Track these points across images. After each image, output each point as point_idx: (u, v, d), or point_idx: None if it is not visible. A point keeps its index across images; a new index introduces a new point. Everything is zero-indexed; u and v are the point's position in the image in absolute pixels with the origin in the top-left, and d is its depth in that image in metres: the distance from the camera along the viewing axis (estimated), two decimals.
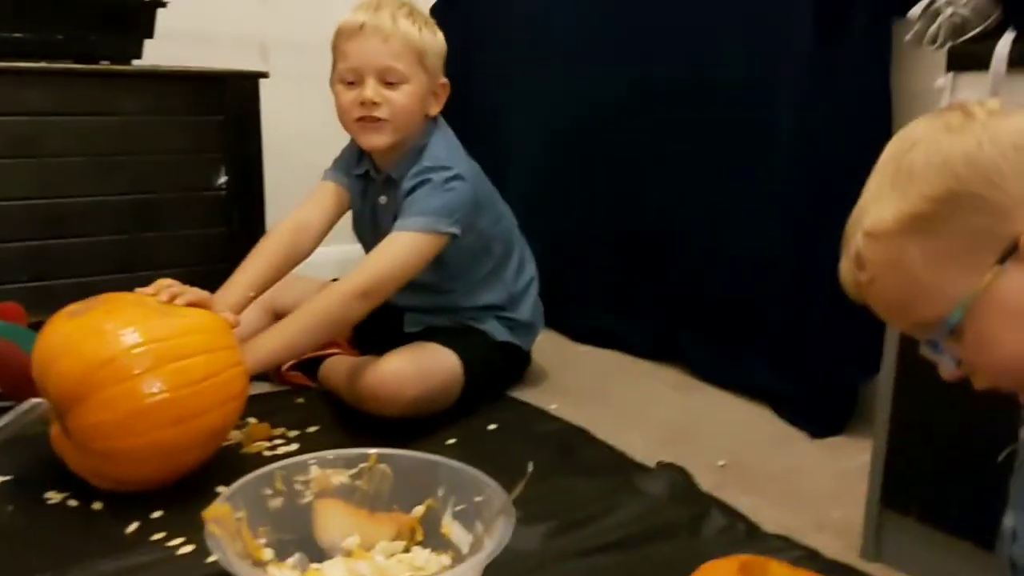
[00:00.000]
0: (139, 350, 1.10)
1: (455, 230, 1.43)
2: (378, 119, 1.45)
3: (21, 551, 1.05)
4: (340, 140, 1.59)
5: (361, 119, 1.46)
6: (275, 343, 1.33)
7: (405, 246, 1.40)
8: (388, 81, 1.44)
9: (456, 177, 1.45)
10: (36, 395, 1.23)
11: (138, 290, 1.24)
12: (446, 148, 1.51)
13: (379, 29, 1.43)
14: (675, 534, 1.11)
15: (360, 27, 1.43)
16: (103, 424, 1.09)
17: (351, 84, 1.45)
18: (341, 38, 1.46)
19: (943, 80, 1.04)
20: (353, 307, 1.37)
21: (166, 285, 1.24)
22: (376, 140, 1.47)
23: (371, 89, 1.43)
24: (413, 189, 1.45)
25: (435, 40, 1.49)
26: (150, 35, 1.80)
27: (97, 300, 1.18)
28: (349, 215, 1.63)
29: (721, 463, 1.34)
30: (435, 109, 1.52)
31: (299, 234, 1.51)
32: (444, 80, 1.52)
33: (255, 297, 1.43)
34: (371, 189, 1.57)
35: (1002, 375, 0.67)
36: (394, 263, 1.40)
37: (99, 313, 1.14)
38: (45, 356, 1.13)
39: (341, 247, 1.75)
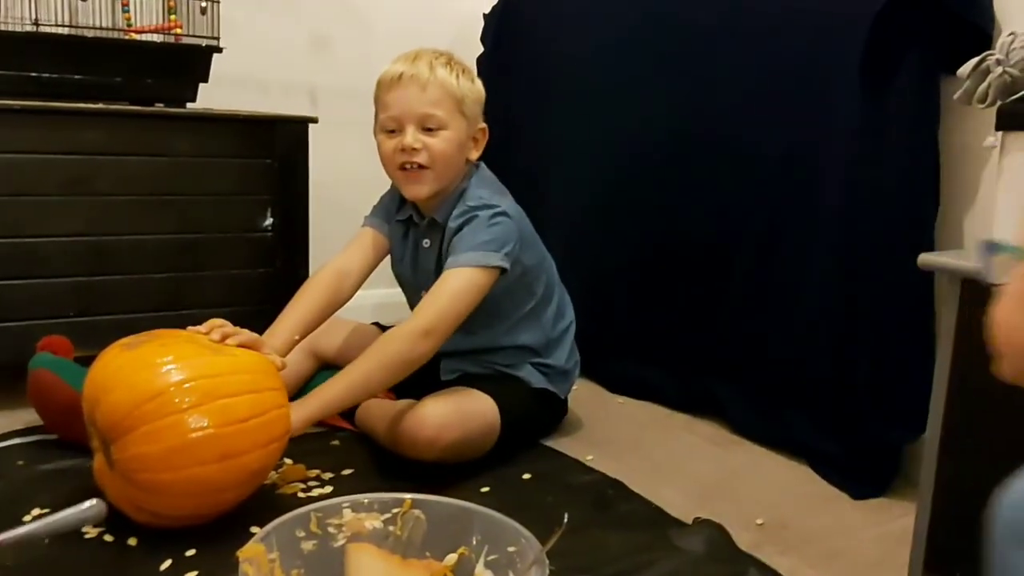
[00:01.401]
0: (188, 385, 1.12)
1: (505, 264, 1.45)
2: (419, 166, 1.47)
3: None
4: (384, 185, 1.61)
5: (403, 168, 1.48)
6: (339, 388, 1.34)
7: (459, 282, 1.42)
8: (427, 127, 1.47)
9: (501, 213, 1.47)
10: (79, 429, 1.25)
11: (190, 328, 1.27)
12: (488, 189, 1.53)
13: (417, 78, 1.46)
14: None
15: (399, 77, 1.47)
16: (147, 456, 1.10)
17: (392, 132, 1.49)
18: (381, 89, 1.50)
19: (992, 139, 1.04)
20: (417, 347, 1.37)
21: (218, 325, 1.27)
22: (419, 190, 1.50)
23: (411, 136, 1.46)
24: (460, 228, 1.47)
25: (473, 87, 1.52)
26: (205, 79, 1.85)
27: (151, 335, 1.21)
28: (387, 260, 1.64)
29: (759, 521, 1.32)
30: (475, 154, 1.55)
31: (339, 280, 1.53)
32: (483, 125, 1.55)
33: (299, 340, 1.45)
34: (414, 233, 1.58)
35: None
36: (452, 300, 1.40)
37: (152, 347, 1.17)
38: (97, 386, 1.15)
39: (379, 291, 1.77)
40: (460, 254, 1.44)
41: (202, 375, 1.14)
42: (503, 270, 1.45)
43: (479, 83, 1.54)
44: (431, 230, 1.55)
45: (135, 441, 1.10)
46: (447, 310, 1.40)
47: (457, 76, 1.49)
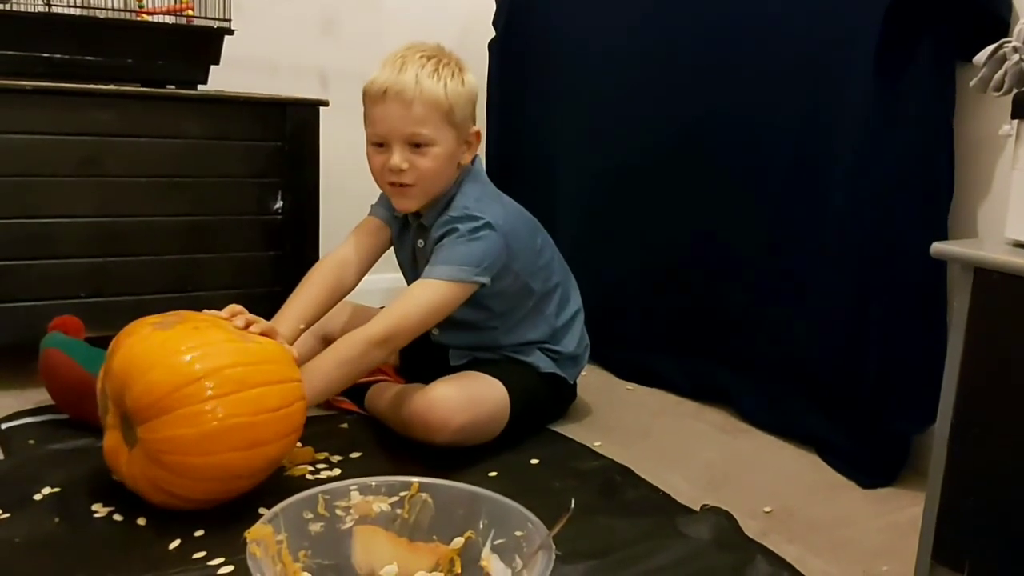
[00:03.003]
0: (227, 372, 1.13)
1: (483, 279, 1.43)
2: (405, 184, 1.46)
3: (65, 562, 1.06)
4: None
5: (390, 184, 1.47)
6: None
7: (427, 294, 1.41)
8: (415, 143, 1.44)
9: (485, 226, 1.44)
10: (90, 408, 1.26)
11: (209, 312, 1.26)
12: (475, 197, 1.50)
13: (401, 95, 1.41)
14: None
15: (383, 93, 1.42)
16: (181, 438, 1.10)
17: (379, 147, 1.46)
18: (367, 100, 1.46)
19: (1008, 127, 1.02)
20: (372, 355, 1.37)
21: (239, 311, 1.27)
22: (406, 204, 1.49)
23: (398, 156, 1.43)
24: (441, 238, 1.46)
25: (462, 91, 1.46)
26: (216, 61, 1.85)
27: (178, 316, 1.21)
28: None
29: (767, 509, 1.32)
30: (467, 158, 1.52)
31: (343, 270, 1.53)
32: (476, 128, 1.52)
33: (304, 330, 1.45)
34: (410, 231, 1.58)
35: None
36: (416, 311, 1.40)
37: (188, 329, 1.17)
38: (131, 365, 1.14)
39: (389, 275, 1.77)
40: (435, 266, 1.42)
41: (238, 363, 1.15)
42: (481, 285, 1.43)
43: (470, 80, 1.49)
44: (424, 232, 1.53)
45: (170, 423, 1.10)
46: (407, 320, 1.39)
47: (444, 84, 1.43)
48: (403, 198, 1.48)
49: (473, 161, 1.54)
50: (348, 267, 1.54)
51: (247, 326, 1.25)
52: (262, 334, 1.26)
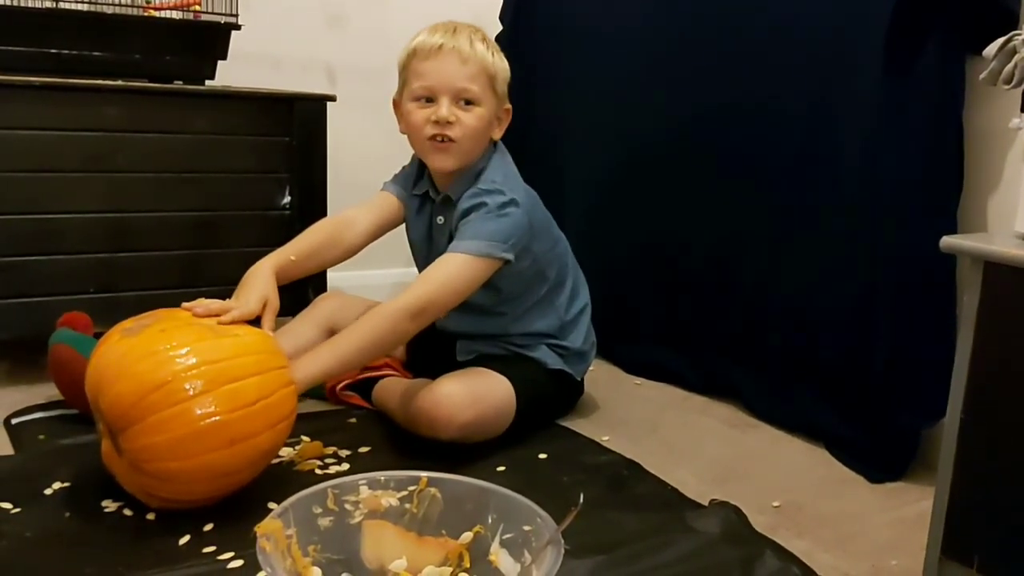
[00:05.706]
0: (193, 372, 1.11)
1: (509, 256, 1.44)
2: (449, 139, 1.46)
3: (75, 557, 1.06)
4: (399, 163, 1.61)
5: (432, 138, 1.47)
6: (327, 360, 1.32)
7: (457, 268, 1.41)
8: (462, 101, 1.46)
9: (511, 203, 1.46)
10: None
11: (184, 305, 1.24)
12: (503, 173, 1.52)
13: (458, 51, 1.45)
14: (727, 575, 1.09)
15: (439, 48, 1.46)
16: (156, 445, 1.09)
17: (424, 102, 1.47)
18: (416, 58, 1.48)
19: (1018, 120, 1.02)
20: (403, 326, 1.36)
21: (206, 303, 1.25)
22: (445, 162, 1.49)
23: (445, 108, 1.45)
24: (468, 212, 1.46)
25: (504, 66, 1.52)
26: (224, 57, 1.85)
27: (151, 317, 1.20)
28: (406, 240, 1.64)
29: (776, 504, 1.32)
30: (498, 133, 1.55)
31: (343, 226, 1.55)
32: (508, 105, 1.55)
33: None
34: (428, 208, 1.58)
35: None
36: (445, 284, 1.40)
37: (153, 332, 1.15)
38: (101, 376, 1.13)
39: (398, 270, 1.77)
40: (464, 240, 1.42)
41: (207, 361, 1.13)
42: (506, 261, 1.44)
43: (507, 63, 1.53)
44: (445, 207, 1.54)
45: (143, 431, 1.09)
46: (439, 293, 1.39)
47: (493, 53, 1.49)
48: (443, 155, 1.49)
49: (497, 144, 1.56)
50: (351, 225, 1.55)
51: (208, 316, 1.22)
52: (235, 321, 1.24)
